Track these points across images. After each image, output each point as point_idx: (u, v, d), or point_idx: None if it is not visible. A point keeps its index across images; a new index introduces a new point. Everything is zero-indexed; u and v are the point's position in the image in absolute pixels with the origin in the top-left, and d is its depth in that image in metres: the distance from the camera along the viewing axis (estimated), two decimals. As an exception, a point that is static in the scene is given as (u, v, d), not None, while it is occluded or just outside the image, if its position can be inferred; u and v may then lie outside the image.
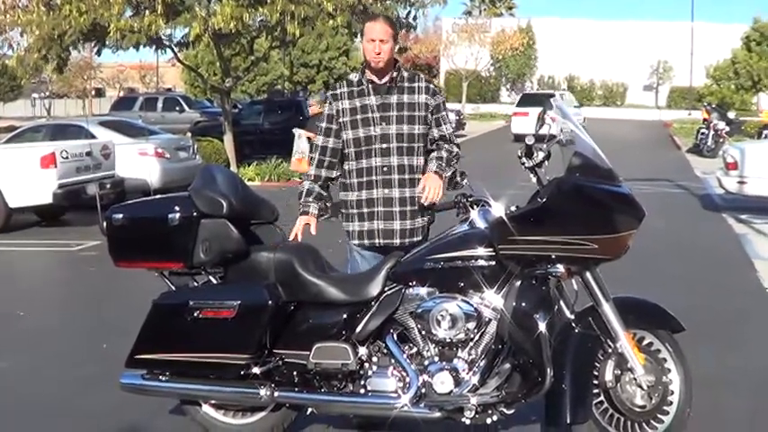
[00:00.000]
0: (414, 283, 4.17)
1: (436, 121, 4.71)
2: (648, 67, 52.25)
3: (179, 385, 4.43)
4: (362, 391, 4.20)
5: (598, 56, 50.45)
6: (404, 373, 4.13)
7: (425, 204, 4.49)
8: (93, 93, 56.83)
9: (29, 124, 20.50)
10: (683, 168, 21.02)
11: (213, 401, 4.54)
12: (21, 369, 6.13)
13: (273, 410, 4.48)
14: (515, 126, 29.36)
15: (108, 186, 13.30)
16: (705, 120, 25.85)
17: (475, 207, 4.27)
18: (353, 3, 17.51)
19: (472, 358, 4.07)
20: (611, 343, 4.11)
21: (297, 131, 12.98)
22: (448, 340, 4.05)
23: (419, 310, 4.10)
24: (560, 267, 3.99)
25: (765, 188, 12.23)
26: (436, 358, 4.11)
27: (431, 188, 4.42)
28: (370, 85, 4.67)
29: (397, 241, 4.65)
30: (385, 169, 4.63)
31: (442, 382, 4.03)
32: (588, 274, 4.09)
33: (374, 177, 4.64)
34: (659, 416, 4.16)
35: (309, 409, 4.35)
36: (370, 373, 4.20)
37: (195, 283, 4.48)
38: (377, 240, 4.68)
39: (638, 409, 4.13)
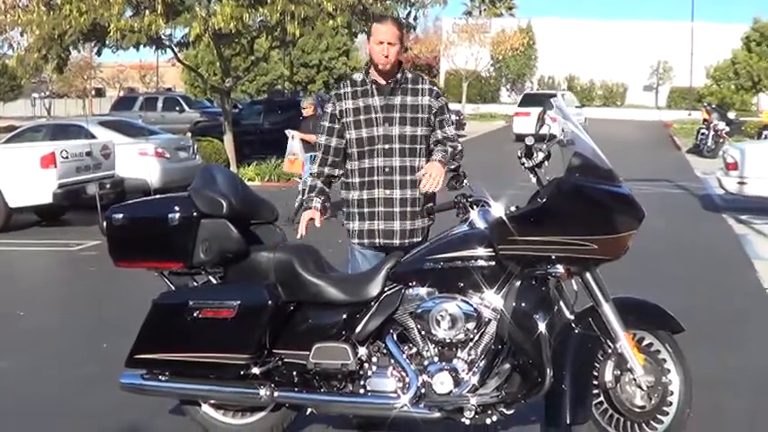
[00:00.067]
0: (413, 283, 4.17)
1: (439, 123, 4.70)
2: (648, 67, 52.24)
3: (179, 385, 4.43)
4: (362, 391, 4.20)
5: (598, 56, 50.45)
6: (403, 374, 4.13)
7: (424, 192, 4.47)
8: (93, 93, 56.85)
9: (29, 124, 20.52)
10: (683, 169, 21.03)
11: (213, 401, 4.54)
12: (21, 369, 6.13)
13: (273, 410, 4.49)
14: (517, 126, 29.43)
15: (108, 186, 13.31)
16: (705, 120, 25.86)
17: (475, 207, 4.27)
18: (353, 3, 17.52)
19: (472, 358, 4.07)
20: (610, 343, 4.11)
21: (290, 133, 12.99)
22: (448, 340, 4.05)
23: (419, 311, 4.11)
24: (560, 268, 3.99)
25: (765, 188, 12.23)
26: (436, 358, 4.11)
27: (432, 174, 4.38)
28: (373, 86, 4.68)
29: (396, 242, 4.65)
30: (387, 170, 4.63)
31: (442, 383, 4.03)
32: (588, 275, 4.09)
33: (376, 178, 4.64)
34: (659, 416, 4.17)
35: (309, 410, 4.36)
36: (369, 373, 4.20)
37: (195, 283, 4.49)
38: (376, 240, 4.69)
39: (637, 410, 4.13)
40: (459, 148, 4.73)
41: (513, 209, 4.12)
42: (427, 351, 4.13)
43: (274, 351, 4.25)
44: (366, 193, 4.67)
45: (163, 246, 4.34)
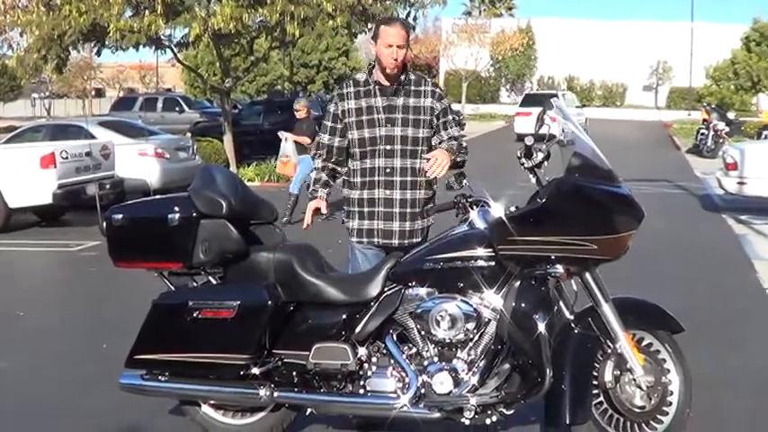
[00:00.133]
0: (413, 283, 4.18)
1: (443, 125, 4.71)
2: (648, 67, 52.23)
3: (178, 385, 4.43)
4: (362, 391, 4.20)
5: (598, 56, 50.44)
6: (403, 374, 4.13)
7: (429, 178, 4.46)
8: (92, 93, 56.85)
9: (29, 124, 20.50)
10: (683, 169, 21.03)
11: (212, 402, 4.54)
12: (21, 369, 6.13)
13: (273, 411, 4.49)
14: (518, 126, 29.50)
15: (108, 187, 13.30)
16: (705, 120, 25.87)
17: (474, 207, 4.27)
18: (353, 3, 17.52)
19: (471, 359, 4.07)
20: (610, 343, 4.11)
21: (283, 134, 12.99)
22: (447, 341, 4.05)
23: (419, 311, 4.11)
24: (560, 268, 3.99)
25: (765, 189, 12.23)
26: (436, 359, 4.11)
27: (438, 159, 4.37)
28: (376, 87, 4.68)
29: (395, 242, 4.66)
30: (388, 171, 4.64)
31: (442, 383, 4.04)
32: (588, 275, 4.09)
33: (377, 178, 4.65)
34: (659, 416, 4.17)
35: (309, 410, 4.36)
36: (369, 373, 4.20)
37: (195, 284, 4.48)
38: (375, 239, 4.70)
39: (637, 410, 4.13)
40: (465, 144, 4.73)
41: (512, 209, 4.12)
42: (427, 351, 4.13)
43: (274, 351, 4.25)
44: (366, 192, 4.67)
45: (162, 246, 4.34)
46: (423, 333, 4.12)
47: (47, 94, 54.64)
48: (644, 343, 4.23)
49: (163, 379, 4.42)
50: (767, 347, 6.40)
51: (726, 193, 13.25)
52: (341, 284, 4.28)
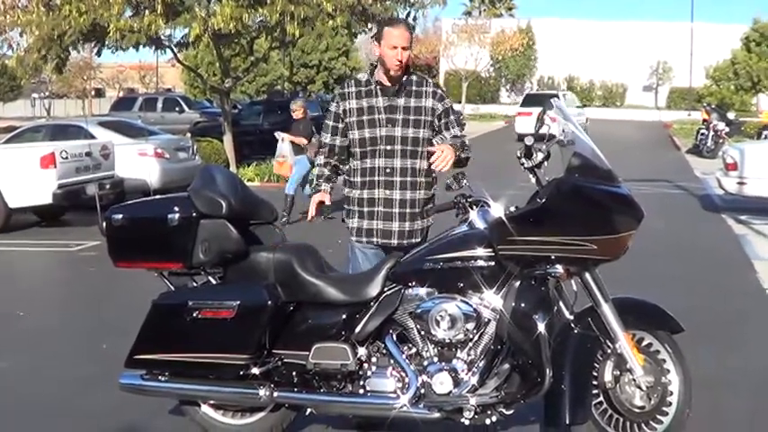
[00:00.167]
0: (413, 283, 4.18)
1: (445, 125, 4.70)
2: (648, 67, 52.23)
3: (178, 385, 4.43)
4: (362, 391, 4.20)
5: (598, 56, 50.43)
6: (403, 374, 4.13)
7: (435, 170, 4.45)
8: (92, 93, 56.86)
9: (28, 124, 20.50)
10: (683, 169, 21.03)
11: (212, 402, 4.54)
12: (21, 369, 6.13)
13: (273, 411, 4.49)
14: (519, 126, 29.56)
15: (107, 187, 13.31)
16: (705, 120, 25.88)
17: (474, 207, 4.27)
18: (353, 3, 17.53)
19: (471, 359, 4.07)
20: (610, 344, 4.12)
21: (279, 135, 13.00)
22: (447, 341, 4.06)
23: (418, 311, 4.11)
24: (559, 268, 3.99)
25: (765, 189, 12.23)
26: (435, 359, 4.11)
27: (443, 152, 4.34)
28: (378, 87, 4.69)
29: (394, 242, 4.67)
30: (388, 171, 4.64)
31: (442, 383, 4.04)
32: (587, 275, 4.10)
33: (377, 178, 4.66)
34: (658, 416, 4.17)
35: (308, 410, 4.36)
36: (369, 373, 4.20)
37: (194, 284, 4.49)
38: (374, 239, 4.71)
39: (637, 410, 4.13)
40: (468, 143, 4.72)
41: (512, 209, 4.12)
42: (427, 351, 4.13)
43: (274, 351, 4.25)
44: (366, 192, 4.68)
45: (162, 246, 4.34)
46: (422, 333, 4.12)
47: (47, 94, 54.63)
48: (644, 343, 4.23)
49: (163, 379, 4.43)
50: (767, 348, 6.40)
51: (726, 193, 13.26)
52: (341, 284, 4.28)
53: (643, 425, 4.16)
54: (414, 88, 4.70)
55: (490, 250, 4.05)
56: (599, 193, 4.01)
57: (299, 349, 4.22)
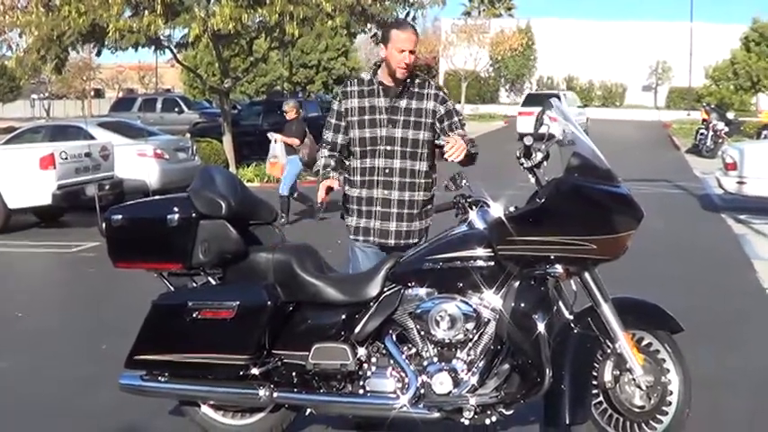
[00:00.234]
0: (413, 283, 4.18)
1: (449, 127, 4.69)
2: (647, 67, 52.21)
3: (178, 386, 4.43)
4: (361, 391, 4.20)
5: (597, 56, 50.41)
6: (403, 374, 4.13)
7: (447, 159, 4.41)
8: (92, 94, 56.82)
9: (28, 125, 20.49)
10: (683, 169, 21.03)
11: (212, 402, 4.54)
12: (20, 369, 6.13)
13: (272, 411, 4.49)
14: (521, 126, 29.65)
15: (107, 187, 13.31)
16: (704, 120, 25.89)
17: (474, 208, 4.27)
18: (352, 3, 17.53)
19: (471, 359, 4.07)
20: (609, 343, 4.12)
21: (272, 136, 12.99)
22: (447, 341, 4.06)
23: (418, 311, 4.11)
24: (559, 268, 3.99)
25: (764, 188, 12.24)
26: (435, 359, 4.11)
27: (456, 142, 4.32)
28: (380, 87, 4.69)
29: (391, 242, 4.68)
30: (387, 171, 4.65)
31: (441, 383, 4.04)
32: (587, 275, 4.10)
33: (376, 178, 4.66)
34: (658, 416, 4.17)
35: (308, 410, 4.36)
36: (369, 373, 4.20)
37: (194, 284, 4.49)
38: (371, 238, 4.72)
39: (636, 410, 4.14)
40: (475, 143, 4.71)
41: (511, 209, 4.12)
42: (426, 351, 4.13)
43: (273, 351, 4.25)
44: (365, 191, 4.68)
45: (162, 247, 4.34)
46: (422, 333, 4.12)
47: (46, 94, 54.62)
48: (643, 343, 4.23)
49: (162, 379, 4.42)
50: (766, 347, 6.40)
51: (725, 192, 13.26)
52: (340, 285, 4.28)
53: (643, 424, 4.16)
54: (416, 90, 4.70)
55: (490, 250, 4.05)
56: (598, 192, 4.01)
57: (298, 349, 4.22)
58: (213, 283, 4.44)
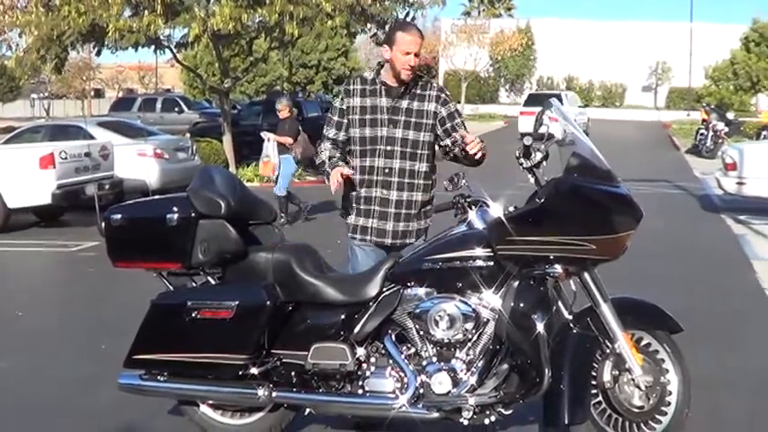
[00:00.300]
0: (412, 283, 4.18)
1: (452, 128, 4.68)
2: (647, 67, 52.22)
3: (177, 385, 4.43)
4: (360, 391, 4.20)
5: (597, 56, 50.42)
6: (402, 374, 4.14)
7: (474, 153, 4.41)
8: (92, 93, 56.84)
9: (28, 125, 20.48)
10: (682, 169, 21.04)
11: (211, 402, 4.54)
12: (20, 369, 6.13)
13: (271, 411, 4.48)
14: (522, 125, 29.73)
15: (107, 187, 13.31)
16: (704, 120, 25.90)
17: (473, 207, 4.27)
18: (352, 3, 17.53)
19: (470, 359, 4.07)
20: (609, 343, 4.12)
21: (265, 135, 12.98)
22: (446, 341, 4.06)
23: (417, 311, 4.11)
24: (558, 268, 3.99)
25: (764, 189, 12.23)
26: (434, 359, 4.11)
27: (477, 139, 4.37)
28: (382, 87, 4.69)
29: (388, 241, 4.68)
30: (386, 171, 4.65)
31: (440, 383, 4.04)
32: (586, 275, 4.10)
33: (375, 177, 4.66)
34: (657, 416, 4.17)
35: (307, 410, 4.36)
36: (368, 373, 4.20)
37: (193, 284, 4.48)
38: (369, 237, 4.72)
39: (636, 410, 4.14)
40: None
41: (511, 209, 4.12)
42: (425, 351, 4.13)
43: (273, 351, 4.25)
44: (364, 190, 4.68)
45: (161, 246, 4.34)
46: (421, 333, 4.12)
47: (46, 94, 54.63)
48: (643, 343, 4.23)
49: (161, 379, 4.43)
50: (766, 348, 6.40)
51: (725, 193, 13.25)
52: (339, 284, 4.28)
53: (642, 425, 4.16)
54: (418, 91, 4.70)
55: (489, 250, 4.05)
56: (598, 192, 4.02)
57: (297, 349, 4.22)
58: (212, 282, 4.44)
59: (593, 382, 4.15)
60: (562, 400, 4.04)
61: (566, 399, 4.04)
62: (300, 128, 12.93)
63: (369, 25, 19.31)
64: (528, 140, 4.11)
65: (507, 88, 55.02)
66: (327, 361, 4.16)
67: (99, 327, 7.18)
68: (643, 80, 52.91)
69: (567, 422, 4.03)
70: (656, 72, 52.52)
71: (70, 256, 10.94)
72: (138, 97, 36.31)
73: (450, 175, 4.34)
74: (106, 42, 17.49)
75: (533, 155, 4.13)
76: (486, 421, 4.08)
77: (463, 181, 4.32)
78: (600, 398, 4.16)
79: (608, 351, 4.12)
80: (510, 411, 4.11)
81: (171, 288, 4.48)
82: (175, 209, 4.29)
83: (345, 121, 4.74)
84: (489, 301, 4.04)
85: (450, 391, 4.03)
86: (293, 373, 4.27)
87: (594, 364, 4.15)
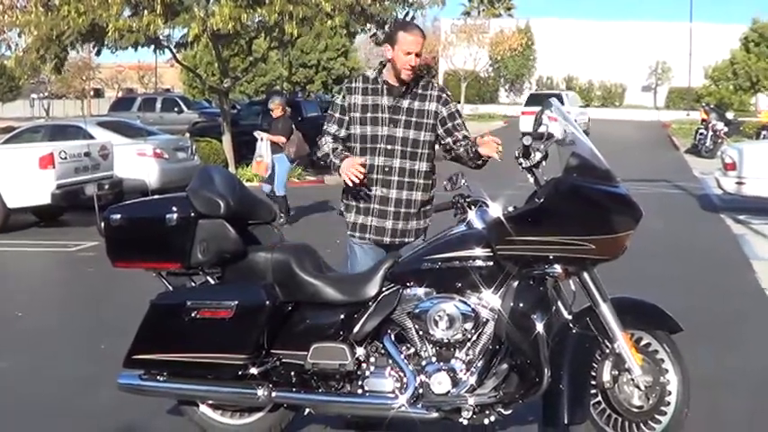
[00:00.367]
0: (411, 283, 4.18)
1: (454, 128, 4.70)
2: (647, 67, 52.24)
3: (176, 385, 4.43)
4: (360, 391, 4.20)
5: (597, 56, 50.43)
6: (401, 374, 4.13)
7: (482, 153, 4.46)
8: (91, 93, 56.82)
9: (27, 125, 20.49)
10: (682, 169, 21.05)
11: (211, 402, 4.54)
12: (20, 369, 6.13)
13: (271, 411, 4.48)
14: (523, 125, 29.82)
15: (106, 187, 13.31)
16: (704, 120, 25.91)
17: (473, 207, 4.27)
18: (351, 3, 17.53)
19: (470, 359, 4.07)
20: (608, 343, 4.12)
21: (259, 134, 12.97)
22: (445, 341, 4.05)
23: (417, 311, 4.11)
24: (558, 268, 3.99)
25: (763, 189, 12.23)
26: (434, 359, 4.11)
27: (496, 143, 4.41)
28: (384, 86, 4.70)
29: (387, 239, 4.69)
30: (386, 169, 4.65)
31: (440, 383, 4.04)
32: (586, 275, 4.10)
33: (374, 176, 4.67)
34: (657, 416, 4.17)
35: (307, 410, 4.36)
36: (367, 373, 4.20)
37: (193, 284, 4.48)
38: (368, 235, 4.73)
39: (635, 410, 4.13)
40: None
41: (510, 209, 4.12)
42: (425, 351, 4.13)
43: (272, 351, 4.25)
44: (363, 188, 4.68)
45: (161, 246, 4.34)
46: (421, 333, 4.12)
47: (45, 94, 54.61)
48: (642, 343, 4.23)
49: (161, 379, 4.42)
50: (766, 348, 6.40)
51: (724, 193, 13.26)
52: (339, 284, 4.28)
53: (641, 425, 4.16)
54: (419, 91, 4.71)
55: (488, 250, 4.05)
56: (597, 192, 4.01)
57: (297, 349, 4.22)
58: (212, 282, 4.43)
59: (593, 382, 4.15)
60: (561, 400, 4.04)
61: (565, 399, 4.04)
62: (294, 126, 12.92)
63: (368, 25, 19.31)
64: (527, 140, 4.11)
65: (507, 88, 55.03)
66: (327, 361, 4.16)
67: (98, 327, 7.18)
68: (643, 80, 52.92)
69: (566, 422, 4.03)
70: (656, 72, 52.53)
71: (70, 256, 10.94)
72: (138, 97, 36.32)
73: (449, 174, 4.34)
74: (106, 42, 17.50)
75: (533, 155, 4.13)
76: (486, 421, 4.08)
77: (462, 181, 4.32)
78: (599, 398, 4.16)
79: (607, 351, 4.12)
80: (509, 411, 4.11)
81: (170, 288, 4.48)
82: (175, 209, 4.29)
83: (347, 118, 4.75)
84: (489, 301, 4.04)
85: (449, 391, 4.03)
86: (293, 373, 4.27)
87: (594, 364, 4.15)
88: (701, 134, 24.96)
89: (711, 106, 28.03)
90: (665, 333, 4.25)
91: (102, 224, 4.44)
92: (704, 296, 7.90)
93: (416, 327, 4.13)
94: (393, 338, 4.21)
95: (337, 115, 4.78)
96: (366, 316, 4.18)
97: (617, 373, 4.12)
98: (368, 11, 18.23)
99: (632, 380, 4.10)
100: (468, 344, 4.07)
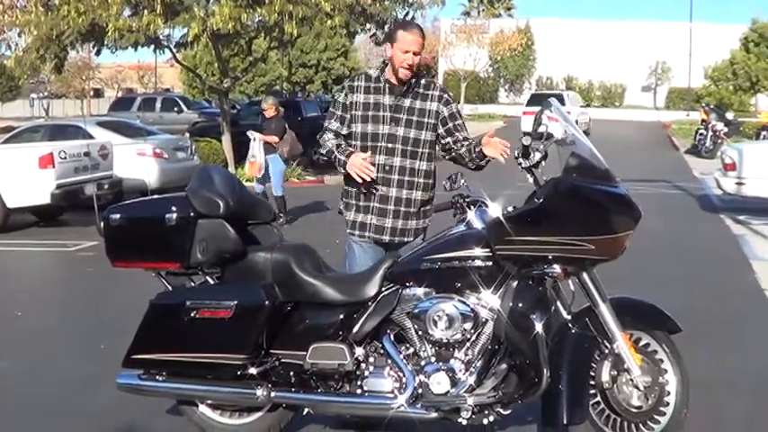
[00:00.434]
0: (411, 283, 4.17)
1: (454, 128, 4.72)
2: (647, 67, 52.23)
3: (176, 385, 4.43)
4: (359, 391, 4.19)
5: (596, 56, 50.42)
6: (400, 374, 4.13)
7: (487, 155, 4.48)
8: (91, 93, 56.82)
9: (27, 124, 20.50)
10: (682, 169, 21.05)
11: (210, 402, 4.54)
12: (20, 369, 6.13)
13: (270, 411, 4.48)
14: (525, 125, 29.91)
15: (106, 187, 13.30)
16: (703, 121, 25.92)
17: (472, 207, 4.27)
18: (351, 3, 17.54)
19: (469, 359, 4.07)
20: (607, 344, 4.12)
21: (252, 134, 12.98)
22: (445, 341, 4.05)
23: (416, 311, 4.11)
24: (557, 268, 3.99)
25: (763, 189, 12.24)
26: (433, 359, 4.11)
27: (504, 145, 4.42)
28: (386, 85, 4.71)
29: (386, 238, 4.70)
30: (387, 168, 4.66)
31: (439, 383, 4.03)
32: (585, 275, 4.10)
33: (375, 174, 4.66)
34: (656, 417, 4.17)
35: (306, 410, 4.36)
36: (366, 373, 4.19)
37: (192, 284, 4.48)
38: (367, 233, 4.73)
39: (634, 410, 4.13)
40: None
41: (510, 209, 4.12)
42: (424, 351, 4.13)
43: (271, 351, 4.25)
44: (363, 187, 4.68)
45: (160, 246, 4.34)
46: (420, 333, 4.12)
47: (45, 94, 54.63)
48: (641, 343, 4.23)
49: (160, 379, 4.42)
50: (765, 348, 6.40)
51: (724, 193, 13.26)
52: (338, 284, 4.28)
53: (640, 425, 4.16)
54: (421, 90, 4.73)
55: (488, 250, 4.05)
56: (596, 192, 4.02)
57: (296, 349, 4.22)
58: (211, 282, 4.43)
59: (592, 383, 4.15)
60: (561, 401, 4.04)
61: (564, 399, 4.04)
62: (287, 126, 12.92)
63: (368, 25, 19.31)
64: (527, 140, 4.11)
65: (507, 88, 55.02)
66: (326, 361, 4.16)
67: (98, 327, 7.18)
68: (643, 80, 52.91)
69: (565, 422, 4.04)
70: (656, 72, 52.53)
71: (69, 255, 10.94)
72: (138, 97, 36.33)
73: (448, 174, 4.34)
74: (106, 42, 17.50)
75: (532, 155, 4.13)
76: (485, 421, 4.08)
77: (462, 181, 4.32)
78: (598, 398, 4.16)
79: (606, 351, 4.12)
80: (508, 411, 4.11)
81: (170, 288, 4.48)
82: (174, 208, 4.29)
83: (348, 116, 4.76)
84: (488, 301, 4.04)
85: (448, 391, 4.03)
86: (292, 373, 4.27)
87: (593, 365, 4.15)
88: (701, 134, 24.97)
89: (711, 106, 28.03)
90: (665, 333, 4.25)
91: (102, 224, 4.44)
92: (704, 296, 7.90)
93: (416, 327, 4.13)
94: (392, 338, 4.21)
95: (339, 113, 4.79)
96: (365, 316, 4.18)
97: (616, 373, 4.12)
98: (368, 11, 18.24)
99: (631, 380, 4.10)
100: (468, 344, 4.07)
